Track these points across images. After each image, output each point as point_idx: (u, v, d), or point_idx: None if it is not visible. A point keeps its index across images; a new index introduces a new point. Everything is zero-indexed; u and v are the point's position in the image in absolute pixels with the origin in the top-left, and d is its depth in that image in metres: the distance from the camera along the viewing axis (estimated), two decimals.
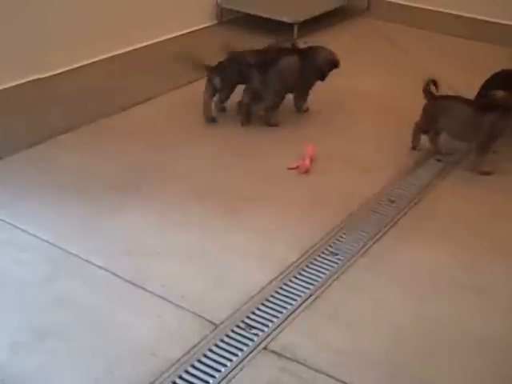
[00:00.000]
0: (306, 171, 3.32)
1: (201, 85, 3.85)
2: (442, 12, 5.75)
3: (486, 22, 5.57)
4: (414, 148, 3.58)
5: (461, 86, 3.93)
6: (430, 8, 5.81)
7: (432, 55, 4.73)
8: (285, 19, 5.15)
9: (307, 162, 3.32)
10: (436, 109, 3.45)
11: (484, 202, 3.21)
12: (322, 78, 3.84)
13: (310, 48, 3.88)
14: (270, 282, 2.60)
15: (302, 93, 3.89)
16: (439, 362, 2.30)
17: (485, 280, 2.69)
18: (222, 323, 2.39)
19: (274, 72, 3.66)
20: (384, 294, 2.60)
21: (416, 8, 5.85)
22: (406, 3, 5.90)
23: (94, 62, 4.49)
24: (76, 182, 3.18)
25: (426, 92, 3.46)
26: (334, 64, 3.85)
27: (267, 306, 2.48)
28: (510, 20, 5.42)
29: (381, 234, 2.93)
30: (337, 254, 2.78)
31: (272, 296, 2.53)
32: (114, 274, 2.59)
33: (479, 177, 3.40)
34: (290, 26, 5.11)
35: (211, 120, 3.79)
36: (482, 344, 2.38)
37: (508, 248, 2.89)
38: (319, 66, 3.81)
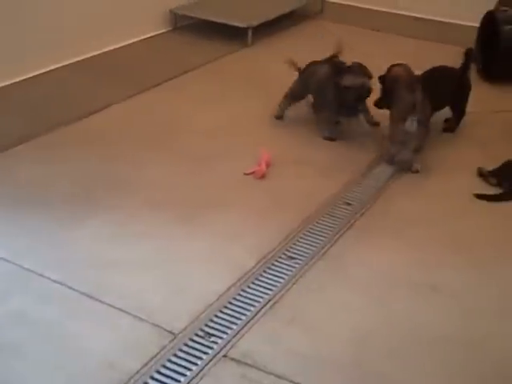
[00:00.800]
0: (263, 176, 3.33)
1: (156, 92, 3.84)
2: (394, 13, 5.85)
3: (439, 22, 5.68)
4: None
5: None
6: (383, 9, 5.89)
7: (385, 56, 4.75)
8: (239, 24, 5.15)
9: (263, 166, 3.33)
10: None
11: (436, 202, 3.26)
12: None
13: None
14: (229, 288, 2.60)
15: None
16: (401, 361, 2.32)
17: (439, 277, 2.73)
18: (180, 333, 2.38)
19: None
20: (343, 296, 2.62)
21: (369, 10, 5.93)
22: (358, 5, 5.98)
23: (48, 71, 4.43)
24: (31, 194, 3.14)
25: None
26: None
27: (226, 313, 2.48)
28: (461, 20, 5.52)
29: (338, 236, 2.96)
30: (295, 258, 2.79)
31: (230, 303, 2.53)
32: (70, 288, 2.56)
33: (430, 178, 3.45)
34: (245, 30, 5.12)
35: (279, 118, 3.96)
36: (440, 341, 2.41)
37: (460, 245, 2.94)
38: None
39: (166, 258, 2.77)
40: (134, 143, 3.65)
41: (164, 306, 2.51)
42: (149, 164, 3.45)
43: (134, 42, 5.04)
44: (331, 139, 3.73)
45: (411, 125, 3.33)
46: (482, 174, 3.44)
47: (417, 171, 3.45)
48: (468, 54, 3.83)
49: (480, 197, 3.28)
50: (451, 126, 3.90)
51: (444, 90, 3.76)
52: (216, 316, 2.46)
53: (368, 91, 3.62)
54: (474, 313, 2.56)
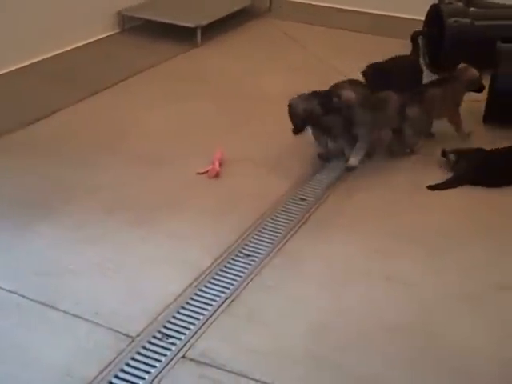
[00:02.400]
0: (217, 175, 3.33)
1: (105, 95, 3.80)
2: (339, 8, 5.91)
3: (382, 16, 5.76)
4: None
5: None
6: (328, 5, 5.95)
7: (333, 50, 4.83)
8: (188, 24, 5.13)
9: (216, 165, 3.33)
10: None
11: (388, 194, 3.30)
12: None
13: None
14: (185, 289, 2.60)
15: None
16: (357, 352, 2.35)
17: (394, 267, 2.77)
18: (138, 336, 2.36)
19: None
20: (300, 291, 2.63)
21: (315, 6, 5.98)
22: (305, 2, 6.02)
23: None
24: None
25: None
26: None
27: (183, 314, 2.47)
28: (404, 13, 5.60)
29: (293, 232, 2.97)
30: (251, 256, 2.80)
31: (187, 303, 2.52)
32: (24, 296, 2.51)
33: (381, 172, 3.49)
34: (194, 30, 5.10)
35: None
36: (398, 329, 2.45)
37: (412, 235, 2.98)
38: None
39: (122, 262, 2.75)
40: (85, 147, 3.60)
41: (121, 309, 2.49)
42: (100, 168, 3.41)
43: (81, 45, 4.97)
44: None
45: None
46: (445, 153, 3.51)
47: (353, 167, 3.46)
48: (414, 39, 3.90)
49: (432, 187, 3.33)
50: None
51: (406, 77, 3.82)
52: (173, 317, 2.45)
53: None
54: (430, 301, 2.60)
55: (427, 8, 4.82)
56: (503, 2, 4.98)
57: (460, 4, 4.90)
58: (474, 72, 3.78)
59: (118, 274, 2.67)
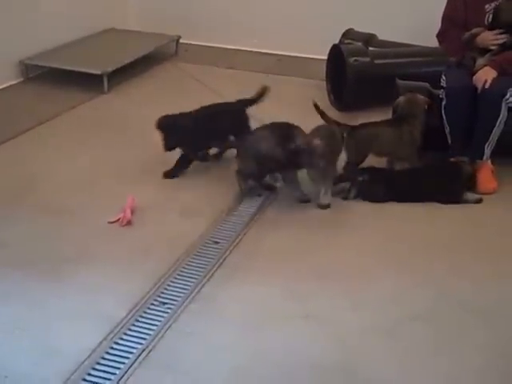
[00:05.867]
0: (128, 223, 3.28)
1: (11, 146, 3.68)
2: (244, 50, 6.02)
3: (286, 56, 5.90)
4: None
5: (271, 117, 4.03)
6: (234, 47, 6.06)
7: (240, 91, 4.86)
8: (93, 71, 5.09)
9: (128, 213, 3.28)
10: None
11: (301, 232, 3.34)
12: None
13: None
14: (100, 343, 2.52)
15: None
16: None
17: (311, 306, 2.79)
18: None
19: None
20: (218, 337, 2.61)
21: (220, 48, 6.07)
22: (211, 44, 6.10)
23: None
24: None
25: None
26: None
27: (99, 370, 2.40)
28: (306, 53, 5.77)
29: (208, 276, 2.95)
30: (167, 303, 2.76)
31: (103, 358, 2.45)
32: None
33: (294, 208, 3.54)
34: (100, 77, 5.06)
35: None
36: (314, 368, 2.46)
37: (327, 274, 3.01)
38: None
39: (31, 318, 2.65)
40: None
41: (33, 370, 2.39)
42: (8, 221, 3.30)
43: None
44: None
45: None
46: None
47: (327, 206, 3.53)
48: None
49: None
50: None
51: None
52: (89, 374, 2.38)
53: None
54: (347, 336, 2.63)
55: (328, 48, 4.98)
56: (399, 41, 5.21)
57: (359, 44, 5.10)
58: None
59: (28, 332, 2.57)
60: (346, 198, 3.60)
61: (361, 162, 3.75)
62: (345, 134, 3.70)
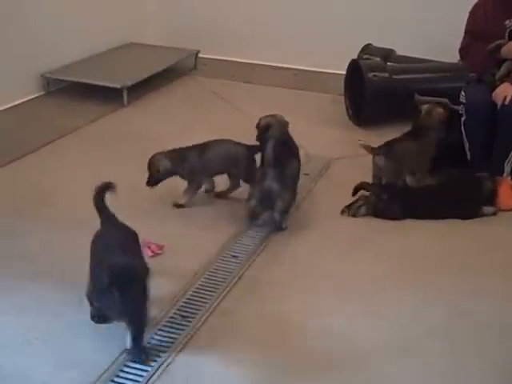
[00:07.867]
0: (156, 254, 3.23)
1: (32, 159, 3.70)
2: (263, 65, 6.04)
3: (305, 71, 5.92)
4: None
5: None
6: (253, 62, 6.08)
7: (259, 106, 4.88)
8: (113, 85, 5.14)
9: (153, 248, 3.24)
10: None
11: (322, 248, 3.34)
12: None
13: None
14: (119, 355, 2.53)
15: None
16: None
17: (330, 322, 2.78)
18: None
19: None
20: (237, 350, 2.60)
21: (239, 62, 6.10)
22: (229, 59, 6.13)
23: None
24: None
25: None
26: None
27: (117, 382, 2.41)
28: (325, 68, 5.76)
29: (227, 290, 2.96)
30: (187, 317, 2.77)
31: (122, 370, 2.46)
32: None
33: (314, 223, 3.54)
34: (120, 91, 5.11)
35: None
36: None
37: (346, 289, 3.01)
38: None
39: (52, 330, 2.66)
40: (12, 213, 3.51)
41: (50, 381, 2.40)
42: (29, 233, 3.33)
43: (4, 109, 4.88)
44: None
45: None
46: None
47: (285, 228, 3.46)
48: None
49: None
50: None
51: None
52: None
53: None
54: (363, 353, 2.62)
55: (346, 63, 4.98)
56: (417, 56, 5.22)
57: (378, 59, 5.11)
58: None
59: (47, 344, 2.58)
60: (354, 216, 3.59)
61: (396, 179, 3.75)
62: (377, 156, 3.70)
